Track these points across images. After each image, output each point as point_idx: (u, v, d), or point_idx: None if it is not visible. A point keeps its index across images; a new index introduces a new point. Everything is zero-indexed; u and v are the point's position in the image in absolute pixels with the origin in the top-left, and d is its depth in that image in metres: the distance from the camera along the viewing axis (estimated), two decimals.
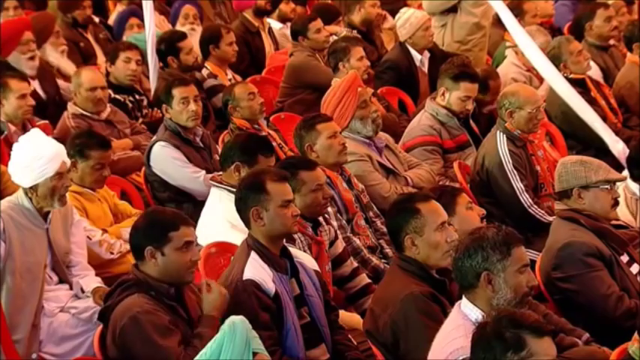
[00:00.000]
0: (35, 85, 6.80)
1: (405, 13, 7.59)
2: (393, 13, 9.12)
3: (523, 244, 3.61)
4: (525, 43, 6.01)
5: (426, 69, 7.52)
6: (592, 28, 7.63)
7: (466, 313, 3.54)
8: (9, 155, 4.86)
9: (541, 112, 5.73)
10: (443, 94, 6.16)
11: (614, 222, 4.83)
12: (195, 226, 4.11)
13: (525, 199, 5.54)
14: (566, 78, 6.22)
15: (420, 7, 8.16)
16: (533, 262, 4.98)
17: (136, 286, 3.90)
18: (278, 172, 4.32)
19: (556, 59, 6.56)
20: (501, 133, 5.64)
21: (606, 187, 4.67)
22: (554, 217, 4.88)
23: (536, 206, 5.54)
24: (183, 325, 3.87)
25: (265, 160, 5.04)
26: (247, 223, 4.20)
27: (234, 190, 4.45)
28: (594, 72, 7.28)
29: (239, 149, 5.07)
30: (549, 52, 6.65)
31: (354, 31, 8.20)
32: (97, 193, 5.29)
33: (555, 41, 7.01)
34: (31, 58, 6.92)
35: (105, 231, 5.16)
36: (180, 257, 3.89)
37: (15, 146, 4.72)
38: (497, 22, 7.15)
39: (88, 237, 5.01)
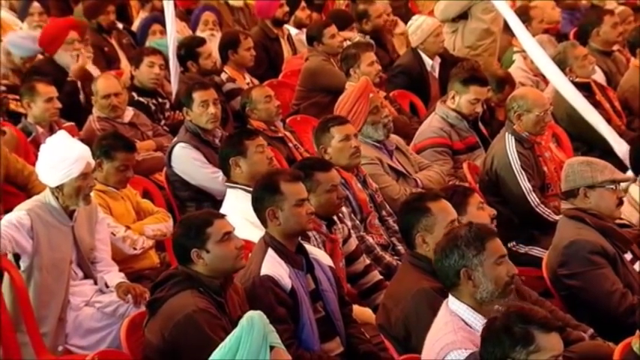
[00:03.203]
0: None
1: (417, 20, 7.60)
2: (402, 18, 9.16)
3: (497, 237, 3.59)
4: (532, 48, 5.99)
5: (436, 73, 7.51)
6: (599, 33, 7.61)
7: (453, 309, 3.54)
8: (36, 156, 4.87)
9: (548, 114, 5.72)
10: (453, 98, 6.16)
11: (617, 221, 4.81)
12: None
13: (533, 198, 5.52)
14: (572, 82, 6.19)
15: (430, 13, 8.14)
16: (539, 260, 4.98)
17: (187, 281, 3.90)
18: (291, 173, 4.34)
19: (562, 64, 6.54)
20: (510, 135, 5.63)
21: (611, 187, 4.66)
22: (561, 216, 4.86)
23: (543, 206, 5.52)
24: (228, 323, 3.86)
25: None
26: (264, 222, 4.21)
27: (250, 189, 4.45)
28: (598, 76, 7.26)
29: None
30: (555, 57, 6.63)
31: (367, 37, 8.20)
32: (120, 191, 5.29)
33: (561, 46, 6.98)
34: (76, 57, 6.97)
35: (128, 228, 5.17)
36: (225, 248, 3.91)
37: (42, 147, 4.73)
38: (506, 27, 7.13)
39: (112, 233, 5.01)
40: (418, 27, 7.49)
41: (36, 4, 8.59)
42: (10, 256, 4.55)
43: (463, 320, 3.50)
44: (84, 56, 7.04)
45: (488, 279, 3.51)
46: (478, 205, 4.37)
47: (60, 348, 4.59)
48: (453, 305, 3.55)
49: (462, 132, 6.16)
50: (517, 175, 5.53)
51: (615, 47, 7.82)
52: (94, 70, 7.51)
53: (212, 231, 3.91)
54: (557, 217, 5.15)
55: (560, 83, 5.98)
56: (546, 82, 6.96)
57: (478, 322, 3.48)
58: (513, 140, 5.61)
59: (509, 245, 5.50)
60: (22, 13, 8.66)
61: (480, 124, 6.32)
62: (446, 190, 4.45)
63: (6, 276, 4.53)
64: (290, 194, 4.16)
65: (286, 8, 8.82)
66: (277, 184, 4.18)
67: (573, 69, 6.74)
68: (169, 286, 3.92)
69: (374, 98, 5.80)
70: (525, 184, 5.52)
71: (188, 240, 3.93)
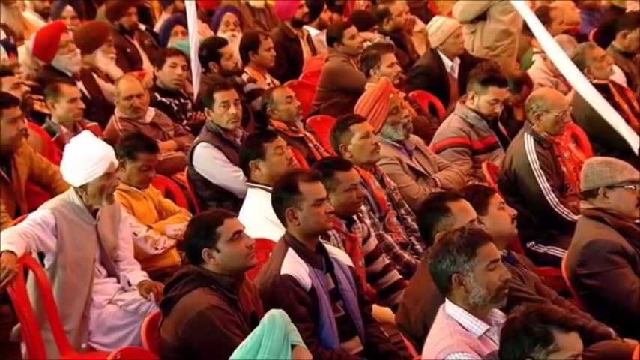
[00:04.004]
0: (80, 86, 6.86)
1: (437, 21, 7.59)
2: (422, 19, 9.15)
3: (490, 241, 3.57)
4: (552, 48, 5.96)
5: (456, 74, 7.50)
6: (625, 37, 7.57)
7: (450, 313, 3.54)
8: (61, 156, 4.90)
9: (567, 115, 5.70)
10: (472, 98, 6.15)
11: (637, 221, 4.78)
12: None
13: (552, 198, 5.50)
14: (590, 83, 6.16)
15: (449, 14, 8.13)
16: (558, 259, 4.97)
17: (199, 279, 3.91)
18: (309, 173, 4.34)
19: (580, 65, 6.50)
20: (529, 135, 5.61)
21: (630, 187, 4.64)
22: (580, 216, 4.85)
23: (561, 206, 5.50)
24: (240, 318, 3.88)
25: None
26: (283, 222, 4.22)
27: (270, 188, 4.47)
28: (618, 77, 7.21)
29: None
30: (573, 58, 6.60)
31: (387, 38, 8.20)
32: (142, 191, 5.31)
33: (579, 48, 6.96)
34: (73, 57, 7.01)
35: (150, 227, 5.18)
36: (235, 247, 3.93)
37: (66, 147, 4.75)
38: (525, 28, 7.10)
39: (134, 233, 5.03)
40: (438, 28, 7.47)
41: (69, 8, 8.65)
42: (34, 255, 4.58)
43: (460, 323, 3.50)
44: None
45: (479, 284, 3.50)
46: (499, 206, 4.36)
47: (83, 345, 4.61)
48: (450, 309, 3.55)
49: (481, 132, 6.15)
50: (536, 175, 5.51)
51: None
52: (117, 72, 7.56)
53: (222, 230, 3.93)
54: (575, 217, 5.13)
55: (580, 84, 5.94)
56: (566, 82, 6.93)
57: (474, 324, 3.49)
58: (532, 140, 5.59)
59: (528, 245, 5.49)
60: (55, 17, 8.71)
61: (499, 124, 6.31)
62: (467, 190, 4.44)
63: (30, 274, 4.55)
64: (308, 194, 4.17)
65: (306, 9, 8.83)
66: (296, 185, 4.18)
67: (591, 70, 6.71)
68: (182, 284, 3.93)
69: (394, 99, 5.80)
70: (544, 184, 5.51)
71: (199, 239, 3.95)
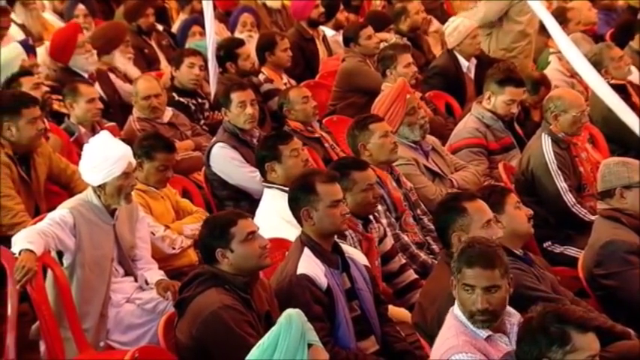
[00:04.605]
0: (96, 87, 6.89)
1: (453, 22, 7.57)
2: (438, 20, 9.13)
3: (479, 267, 3.49)
4: (568, 49, 5.93)
5: (472, 75, 7.48)
6: None
7: (457, 314, 3.55)
8: (79, 156, 4.91)
9: (585, 115, 5.67)
10: (489, 98, 6.13)
11: None
12: (252, 218, 4.13)
13: (569, 198, 5.48)
14: (608, 83, 6.13)
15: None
16: (575, 259, 4.95)
17: (213, 279, 3.92)
18: (327, 174, 4.34)
19: (597, 65, 6.48)
20: (546, 136, 5.60)
21: None
22: (597, 216, 4.83)
23: (579, 206, 5.48)
24: (254, 318, 3.88)
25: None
26: (299, 222, 4.23)
27: (286, 189, 4.47)
28: (635, 77, 7.18)
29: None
30: (591, 58, 6.57)
31: (404, 38, 8.19)
32: (160, 191, 5.32)
33: (597, 48, 6.92)
34: (90, 57, 7.04)
35: (167, 227, 5.19)
36: (249, 247, 3.93)
37: (85, 147, 4.77)
38: (541, 29, 7.08)
39: (151, 233, 5.04)
40: (455, 29, 7.45)
41: (81, 7, 8.67)
42: (53, 254, 4.60)
43: (465, 325, 3.51)
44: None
45: (459, 300, 3.54)
46: (515, 205, 4.35)
47: (101, 343, 4.62)
48: (457, 310, 3.56)
49: (498, 132, 6.13)
50: (553, 175, 5.50)
51: None
52: (134, 72, 7.59)
53: (236, 231, 3.93)
54: (592, 217, 5.11)
55: (596, 84, 5.91)
56: (582, 83, 6.90)
57: (477, 328, 3.49)
58: (550, 140, 5.57)
59: (544, 245, 5.47)
60: (68, 16, 8.75)
61: (515, 124, 6.28)
62: (483, 190, 4.44)
63: (49, 273, 4.57)
64: (325, 195, 4.17)
65: (321, 9, 8.83)
66: (313, 185, 4.19)
67: (609, 70, 6.68)
68: (195, 285, 3.94)
69: (411, 99, 5.79)
70: (561, 184, 5.49)
71: (213, 240, 3.95)
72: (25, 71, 6.43)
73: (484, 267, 3.48)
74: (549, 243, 5.47)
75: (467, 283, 3.49)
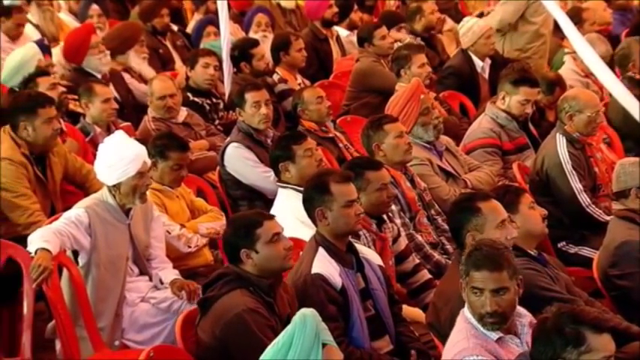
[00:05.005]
0: (110, 88, 6.92)
1: (468, 22, 7.56)
2: (452, 19, 9.11)
3: (487, 269, 3.49)
4: (583, 48, 5.92)
5: (486, 75, 7.46)
6: None
7: (467, 317, 3.54)
8: (95, 155, 4.93)
9: (600, 115, 5.66)
10: (503, 98, 6.12)
11: None
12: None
13: (583, 199, 5.46)
14: (634, 78, 6.11)
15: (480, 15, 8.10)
16: (589, 260, 4.93)
17: (237, 280, 3.92)
18: (341, 174, 4.34)
19: (625, 59, 6.46)
20: (561, 136, 5.58)
21: None
22: (612, 216, 4.81)
23: (593, 206, 5.46)
24: (277, 322, 3.88)
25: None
26: (314, 221, 4.23)
27: (301, 189, 4.47)
28: None
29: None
30: (618, 51, 6.53)
31: (418, 38, 8.18)
32: (175, 190, 5.33)
33: (625, 42, 6.90)
34: (103, 58, 7.06)
35: (183, 226, 5.21)
36: (273, 249, 3.93)
37: (100, 147, 4.78)
38: (556, 29, 7.05)
39: (167, 231, 5.04)
40: (469, 29, 7.44)
41: (95, 7, 8.69)
42: (69, 253, 4.61)
43: (476, 327, 3.50)
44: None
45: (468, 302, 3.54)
46: (530, 205, 4.34)
47: (116, 342, 4.63)
48: (467, 313, 3.55)
49: (512, 133, 6.12)
50: (568, 175, 5.48)
51: None
52: (149, 72, 7.61)
53: (261, 232, 3.93)
54: (607, 218, 5.10)
55: (611, 84, 5.89)
56: (597, 82, 6.87)
57: (487, 330, 3.49)
58: (564, 141, 5.55)
59: (559, 245, 5.46)
60: (82, 16, 8.78)
61: (530, 124, 6.27)
62: (497, 190, 4.43)
63: (65, 272, 4.59)
64: (339, 195, 4.17)
65: (335, 9, 8.82)
66: (327, 185, 4.19)
67: (637, 64, 6.66)
68: (220, 285, 3.94)
69: (425, 99, 5.79)
70: (576, 185, 5.47)
71: (238, 240, 3.95)
72: (42, 71, 6.45)
73: (491, 269, 3.47)
74: (564, 243, 5.46)
75: (475, 286, 3.49)
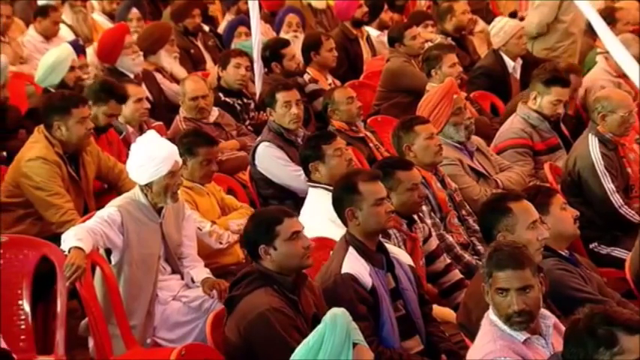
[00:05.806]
0: (143, 88, 6.96)
1: (499, 22, 7.53)
2: (483, 20, 9.07)
3: (510, 268, 3.46)
4: (616, 48, 5.86)
5: (518, 75, 7.43)
6: None
7: (493, 319, 3.51)
8: (127, 155, 4.96)
9: (633, 115, 5.61)
10: (535, 98, 6.09)
11: None
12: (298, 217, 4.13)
13: (616, 199, 5.42)
14: None
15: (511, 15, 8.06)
16: (622, 261, 4.88)
17: (262, 279, 3.92)
18: (369, 172, 4.34)
19: None
20: (593, 136, 5.54)
21: None
22: None
23: (626, 207, 5.41)
24: (301, 321, 3.88)
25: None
26: (344, 222, 4.22)
27: (331, 188, 4.48)
28: None
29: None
30: None
31: (448, 38, 8.15)
32: (205, 187, 5.36)
33: None
34: (136, 58, 7.11)
35: (213, 223, 5.23)
36: (292, 247, 3.92)
37: (132, 146, 4.81)
38: (588, 29, 7.00)
39: (198, 228, 5.07)
40: (500, 29, 7.42)
41: (135, 11, 8.71)
42: (101, 251, 4.64)
43: (502, 329, 3.47)
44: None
45: (493, 303, 3.51)
46: (561, 206, 4.30)
47: (148, 340, 4.66)
48: (493, 316, 3.52)
49: (544, 133, 6.08)
50: (600, 176, 5.43)
51: None
52: (181, 71, 7.64)
53: (281, 229, 3.92)
54: None
55: None
56: (629, 82, 6.81)
57: (514, 332, 3.46)
58: (597, 141, 5.51)
59: (590, 246, 5.41)
60: (120, 18, 8.83)
61: (562, 125, 6.23)
62: (528, 191, 4.40)
63: (98, 270, 4.62)
64: (368, 194, 4.16)
65: (365, 9, 8.82)
66: (355, 185, 4.18)
67: None
68: (245, 284, 3.94)
69: (458, 99, 5.77)
70: (609, 185, 5.42)
71: (257, 236, 3.95)
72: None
73: (515, 268, 3.45)
74: (596, 244, 5.41)
75: (500, 287, 3.45)
